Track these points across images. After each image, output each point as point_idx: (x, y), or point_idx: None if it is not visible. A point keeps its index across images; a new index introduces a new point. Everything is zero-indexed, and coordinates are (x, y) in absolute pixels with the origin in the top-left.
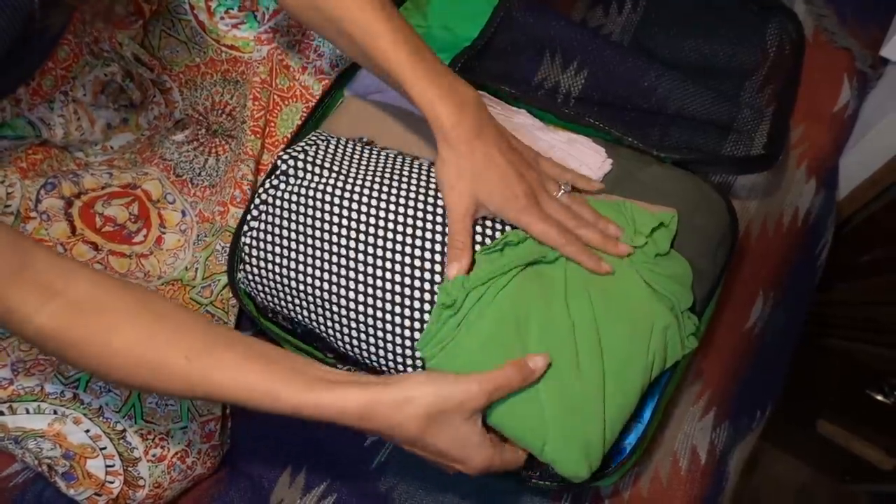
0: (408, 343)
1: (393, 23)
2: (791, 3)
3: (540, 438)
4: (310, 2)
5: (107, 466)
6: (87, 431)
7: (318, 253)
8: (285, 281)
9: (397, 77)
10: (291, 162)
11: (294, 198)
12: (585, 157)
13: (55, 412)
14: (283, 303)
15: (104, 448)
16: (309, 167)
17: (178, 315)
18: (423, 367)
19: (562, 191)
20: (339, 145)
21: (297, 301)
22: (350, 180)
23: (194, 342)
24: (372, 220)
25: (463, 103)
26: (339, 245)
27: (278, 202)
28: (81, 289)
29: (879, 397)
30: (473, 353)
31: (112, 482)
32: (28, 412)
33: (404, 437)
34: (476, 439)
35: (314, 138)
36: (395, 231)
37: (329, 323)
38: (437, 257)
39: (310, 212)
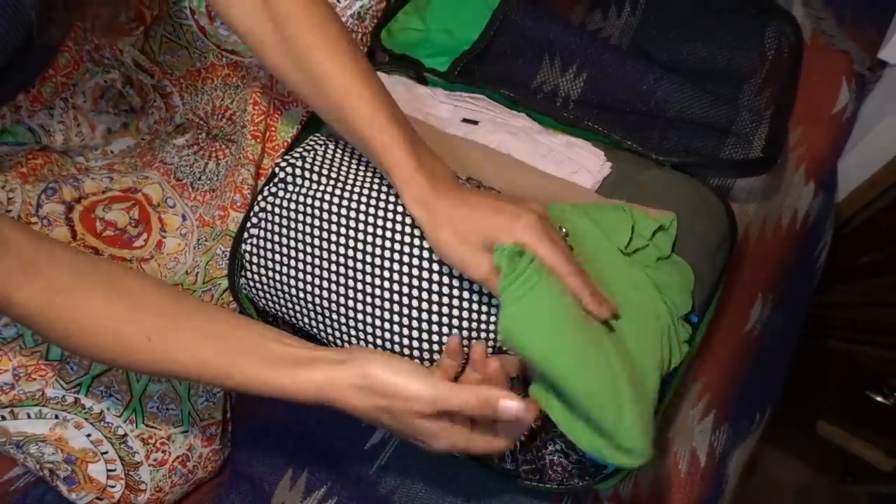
0: (406, 350)
1: (372, 87)
2: (789, 6)
3: (615, 411)
4: (292, 61)
5: (108, 471)
6: (89, 436)
7: (317, 261)
8: (285, 288)
9: (372, 142)
10: (289, 169)
11: (292, 205)
12: (584, 160)
13: (56, 417)
14: (283, 309)
15: (105, 452)
16: (307, 174)
17: (143, 292)
18: None
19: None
20: (338, 149)
21: (297, 307)
22: (348, 186)
23: (155, 321)
24: (370, 228)
25: (434, 176)
26: (336, 253)
27: (277, 210)
28: (58, 270)
29: (879, 398)
30: (553, 309)
31: (113, 486)
32: (29, 417)
33: (362, 418)
34: (431, 430)
35: (312, 143)
36: (392, 238)
37: (329, 330)
38: (436, 266)
39: (308, 219)
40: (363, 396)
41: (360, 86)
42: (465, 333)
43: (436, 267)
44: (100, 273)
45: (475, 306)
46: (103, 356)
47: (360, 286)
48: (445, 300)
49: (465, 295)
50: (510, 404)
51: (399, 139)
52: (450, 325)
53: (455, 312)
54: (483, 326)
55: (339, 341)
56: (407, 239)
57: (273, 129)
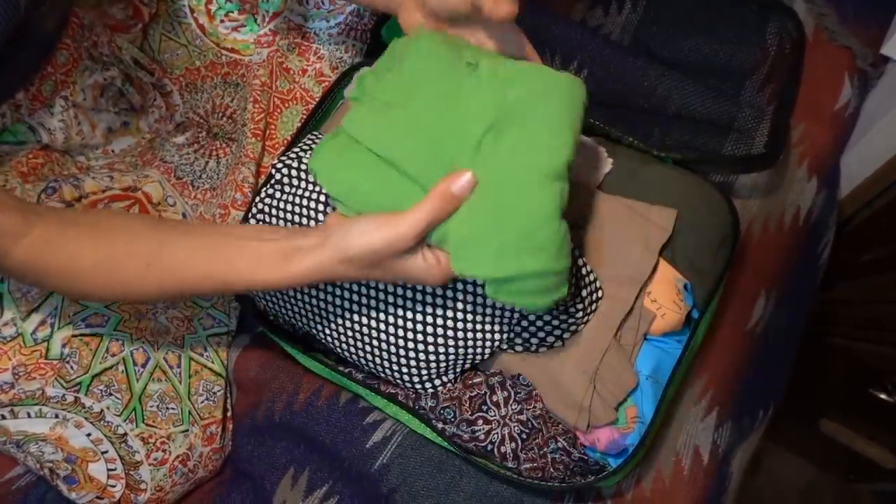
0: (402, 351)
1: None
2: (791, 1)
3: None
4: None
5: (108, 470)
6: (89, 435)
7: None
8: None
9: None
10: (285, 171)
11: (289, 206)
12: (586, 156)
13: (56, 416)
14: (282, 310)
15: (106, 452)
16: (303, 175)
17: (128, 225)
18: (427, 372)
19: None
20: None
21: (295, 308)
22: None
23: (149, 247)
24: None
25: None
26: None
27: (274, 211)
28: (46, 223)
29: (882, 396)
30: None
31: (114, 486)
32: (29, 416)
33: (351, 279)
34: (419, 268)
35: (310, 143)
36: None
37: (327, 331)
38: None
39: (304, 221)
40: (350, 269)
41: None
42: (462, 326)
43: None
44: (85, 218)
45: (471, 301)
46: (105, 293)
47: (355, 287)
48: (440, 301)
49: (460, 294)
50: (461, 179)
51: None
52: (445, 322)
53: (449, 313)
54: (486, 327)
55: (336, 342)
56: None
57: (273, 127)
